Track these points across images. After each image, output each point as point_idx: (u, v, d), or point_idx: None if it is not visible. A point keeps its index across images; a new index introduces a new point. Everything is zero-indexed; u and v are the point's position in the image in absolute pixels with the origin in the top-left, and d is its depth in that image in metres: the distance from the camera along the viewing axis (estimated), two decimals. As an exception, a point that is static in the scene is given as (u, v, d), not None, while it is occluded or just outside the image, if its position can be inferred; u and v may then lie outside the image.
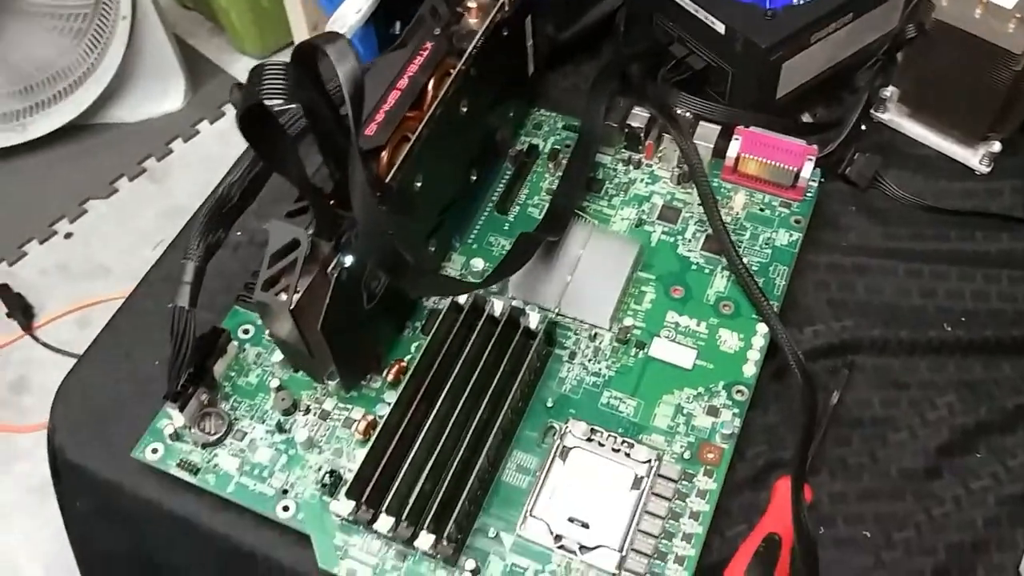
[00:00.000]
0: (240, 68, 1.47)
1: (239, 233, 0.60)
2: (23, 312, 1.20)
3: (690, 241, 0.57)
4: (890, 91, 0.63)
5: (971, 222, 0.60)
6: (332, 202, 0.45)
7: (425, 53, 0.50)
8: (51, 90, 1.29)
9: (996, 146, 0.61)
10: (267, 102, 0.39)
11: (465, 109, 0.53)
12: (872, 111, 0.64)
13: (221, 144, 1.38)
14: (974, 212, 0.60)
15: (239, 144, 0.44)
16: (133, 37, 1.30)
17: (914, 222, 0.60)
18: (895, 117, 0.64)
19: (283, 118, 0.44)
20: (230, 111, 1.41)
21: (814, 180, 0.58)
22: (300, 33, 1.27)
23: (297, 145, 0.44)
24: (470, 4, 0.54)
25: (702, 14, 0.60)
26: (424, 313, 0.55)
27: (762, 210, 0.58)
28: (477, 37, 0.52)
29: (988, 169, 0.62)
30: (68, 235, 1.29)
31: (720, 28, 0.59)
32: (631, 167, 0.61)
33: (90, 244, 1.28)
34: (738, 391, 0.51)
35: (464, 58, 0.51)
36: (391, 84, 0.49)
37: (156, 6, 1.30)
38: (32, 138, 1.32)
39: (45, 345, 1.18)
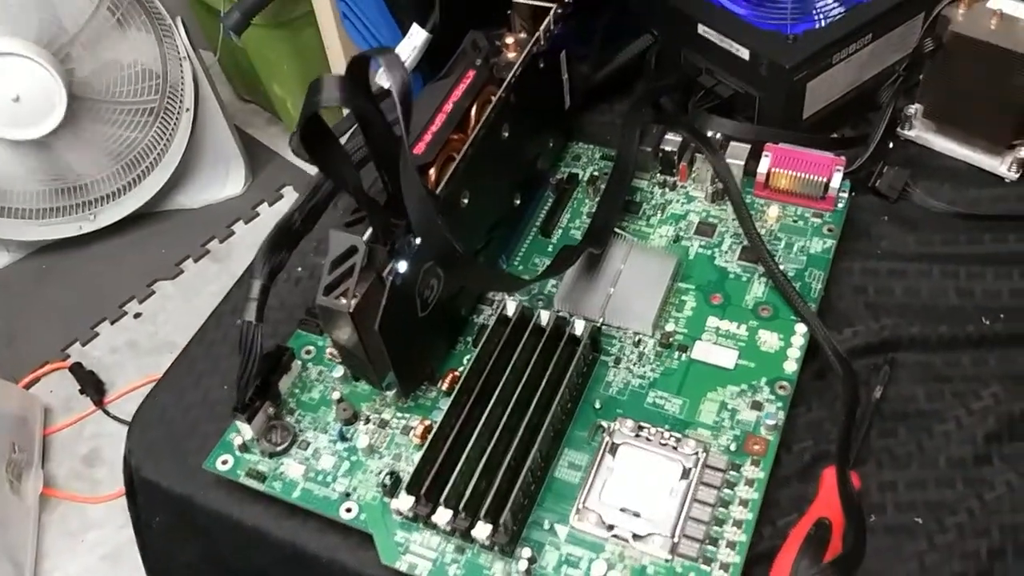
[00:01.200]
0: (295, 153, 1.54)
1: (299, 269, 0.64)
2: (95, 388, 1.25)
3: (726, 253, 0.60)
4: (914, 108, 0.66)
5: (1004, 226, 0.61)
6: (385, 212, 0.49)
7: (468, 80, 0.55)
8: (121, 180, 1.36)
9: (1023, 152, 0.63)
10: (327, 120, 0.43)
11: (506, 134, 0.57)
12: (898, 129, 0.66)
13: (280, 225, 1.44)
14: (1006, 216, 0.61)
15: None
16: (196, 129, 1.39)
17: (947, 228, 0.61)
18: (921, 133, 0.66)
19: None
20: (288, 193, 1.48)
21: (844, 190, 0.60)
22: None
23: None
24: (508, 40, 0.58)
25: (727, 43, 0.63)
26: (474, 328, 0.58)
27: (795, 221, 0.60)
28: (516, 67, 0.56)
29: (1017, 175, 0.63)
30: (137, 315, 1.35)
31: (745, 54, 0.63)
32: (667, 189, 0.64)
33: (157, 322, 1.34)
34: (780, 386, 0.53)
35: (504, 86, 0.55)
36: (437, 108, 0.53)
37: (218, 99, 1.39)
38: (102, 226, 1.40)
39: (116, 419, 1.23)
